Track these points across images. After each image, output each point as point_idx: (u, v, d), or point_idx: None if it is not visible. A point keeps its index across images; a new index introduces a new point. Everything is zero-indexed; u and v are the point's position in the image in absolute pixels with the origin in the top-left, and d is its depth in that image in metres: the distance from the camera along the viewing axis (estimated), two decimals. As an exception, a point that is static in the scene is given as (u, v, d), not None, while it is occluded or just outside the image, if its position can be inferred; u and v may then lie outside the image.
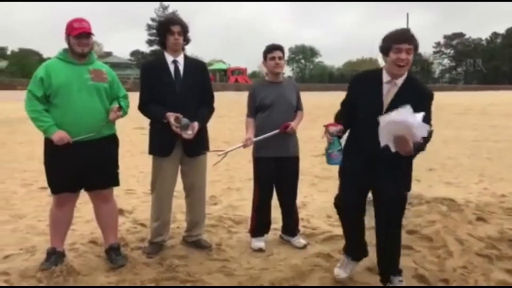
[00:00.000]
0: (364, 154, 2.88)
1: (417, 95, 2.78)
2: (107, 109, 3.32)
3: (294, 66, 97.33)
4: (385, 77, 2.85)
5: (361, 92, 2.93)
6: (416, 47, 2.76)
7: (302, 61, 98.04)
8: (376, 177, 2.88)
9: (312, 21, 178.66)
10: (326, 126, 2.93)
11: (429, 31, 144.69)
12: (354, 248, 3.25)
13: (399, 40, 2.72)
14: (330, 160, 3.01)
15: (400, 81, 2.83)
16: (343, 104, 3.09)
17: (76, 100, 3.18)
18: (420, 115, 2.50)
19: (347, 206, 3.06)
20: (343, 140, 3.07)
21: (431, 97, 2.86)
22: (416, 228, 4.18)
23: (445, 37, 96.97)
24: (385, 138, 2.60)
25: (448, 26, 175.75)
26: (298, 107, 3.89)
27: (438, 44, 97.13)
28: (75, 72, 3.23)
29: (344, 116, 3.03)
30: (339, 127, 2.93)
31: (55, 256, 3.33)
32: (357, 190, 3.01)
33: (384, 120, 2.55)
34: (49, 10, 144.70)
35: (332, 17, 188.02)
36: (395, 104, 2.72)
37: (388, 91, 2.83)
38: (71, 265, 3.28)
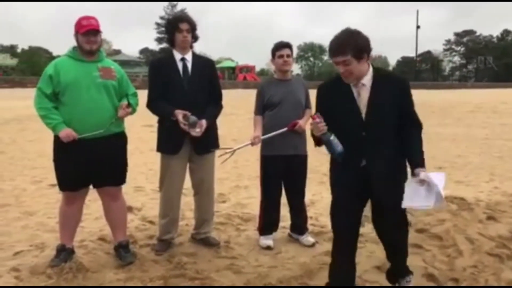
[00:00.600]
0: (353, 168, 2.71)
1: (394, 89, 2.61)
2: (115, 107, 3.33)
3: (303, 64, 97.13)
4: None
5: (331, 101, 2.70)
6: (354, 55, 2.45)
7: (311, 58, 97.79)
8: (370, 189, 2.72)
9: (321, 18, 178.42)
10: (313, 117, 2.63)
11: (440, 29, 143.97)
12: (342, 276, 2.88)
13: (332, 55, 2.55)
14: (334, 147, 2.63)
15: (367, 81, 2.60)
16: None
17: (84, 98, 3.19)
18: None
19: (341, 224, 2.90)
20: None
21: (408, 85, 2.68)
22: (425, 226, 4.14)
23: (456, 34, 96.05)
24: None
25: (458, 23, 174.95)
26: (307, 105, 3.87)
27: (448, 41, 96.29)
28: (84, 70, 3.24)
29: None
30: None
31: (64, 252, 3.36)
32: (352, 204, 2.83)
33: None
34: (59, 8, 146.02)
35: (340, 14, 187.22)
36: (373, 108, 2.59)
37: (359, 95, 2.63)
38: (80, 262, 3.31)
